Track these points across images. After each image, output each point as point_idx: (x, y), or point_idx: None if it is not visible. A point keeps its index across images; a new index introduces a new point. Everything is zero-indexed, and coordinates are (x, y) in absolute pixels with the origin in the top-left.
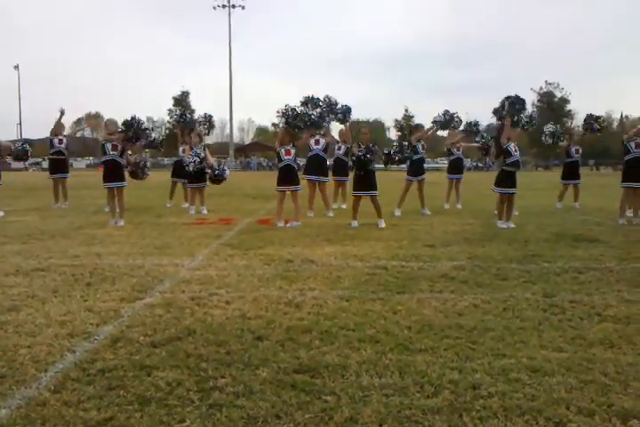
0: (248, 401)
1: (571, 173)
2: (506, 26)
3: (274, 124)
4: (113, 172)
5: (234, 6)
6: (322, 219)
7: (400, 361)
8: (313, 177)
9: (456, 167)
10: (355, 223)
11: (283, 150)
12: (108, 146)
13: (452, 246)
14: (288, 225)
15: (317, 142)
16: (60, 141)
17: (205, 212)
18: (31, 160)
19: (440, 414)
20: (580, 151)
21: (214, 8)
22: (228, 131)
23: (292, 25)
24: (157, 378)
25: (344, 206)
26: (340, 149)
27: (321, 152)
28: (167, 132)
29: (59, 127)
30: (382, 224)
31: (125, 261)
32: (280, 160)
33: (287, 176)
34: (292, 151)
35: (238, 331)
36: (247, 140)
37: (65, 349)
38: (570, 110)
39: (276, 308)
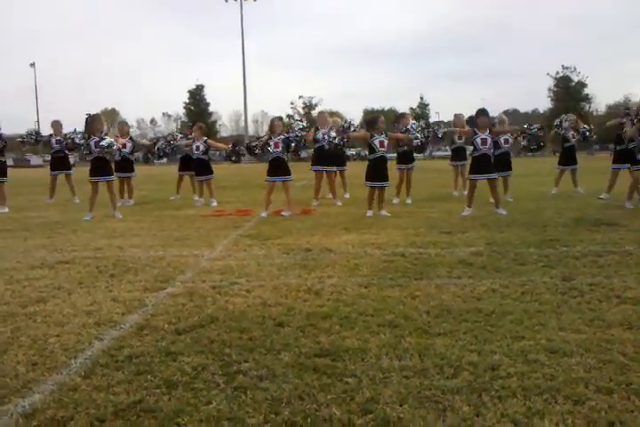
0: (271, 384)
1: (567, 158)
2: (519, 10)
3: (289, 116)
4: (100, 168)
5: None
6: (338, 208)
7: (419, 344)
8: (320, 167)
9: (459, 155)
10: (370, 213)
11: (272, 143)
12: (92, 143)
13: (470, 233)
14: (282, 214)
15: (324, 135)
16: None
17: (215, 204)
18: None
19: (459, 393)
20: (577, 136)
21: (226, 0)
22: (242, 123)
23: (304, 17)
24: (183, 363)
25: (347, 195)
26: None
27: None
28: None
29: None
30: (385, 213)
31: (147, 253)
32: (270, 153)
33: (277, 168)
34: (280, 144)
35: (259, 318)
36: (262, 132)
37: (93, 337)
38: (587, 94)
39: (295, 295)
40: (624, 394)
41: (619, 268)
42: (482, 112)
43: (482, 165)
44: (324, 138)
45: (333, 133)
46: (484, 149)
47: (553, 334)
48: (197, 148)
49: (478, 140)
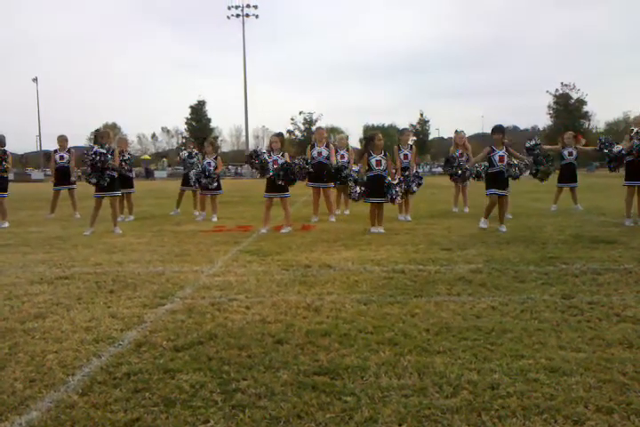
0: (270, 402)
1: (564, 175)
2: (519, 28)
3: (289, 132)
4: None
5: (247, 15)
6: (338, 224)
7: (419, 363)
8: (317, 184)
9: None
10: (374, 229)
11: (271, 161)
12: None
13: (469, 250)
14: (282, 231)
15: (320, 153)
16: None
17: (215, 219)
18: None
19: (459, 413)
20: (575, 153)
21: (228, 17)
22: (243, 139)
23: (306, 33)
24: (181, 381)
25: (347, 212)
26: (343, 156)
27: (325, 160)
28: (183, 141)
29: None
30: (381, 230)
31: (146, 269)
32: (268, 170)
33: (275, 184)
34: (280, 162)
35: (258, 335)
36: (262, 148)
37: (91, 353)
38: (587, 112)
39: (295, 312)
40: (624, 414)
41: (618, 286)
42: (496, 129)
43: (499, 180)
44: (319, 155)
45: (325, 152)
46: (501, 165)
47: (553, 353)
48: (209, 164)
49: (496, 157)
